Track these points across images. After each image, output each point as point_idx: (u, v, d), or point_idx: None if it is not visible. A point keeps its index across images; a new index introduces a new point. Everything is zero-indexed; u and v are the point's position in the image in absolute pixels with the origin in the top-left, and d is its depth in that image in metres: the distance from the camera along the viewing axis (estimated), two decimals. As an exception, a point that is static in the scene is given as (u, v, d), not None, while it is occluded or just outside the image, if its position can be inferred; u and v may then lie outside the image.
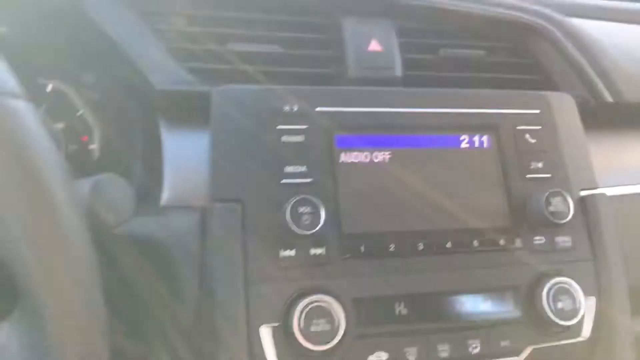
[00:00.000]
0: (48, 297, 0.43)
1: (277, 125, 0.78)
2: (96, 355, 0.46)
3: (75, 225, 0.48)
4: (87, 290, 0.47)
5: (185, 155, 0.80)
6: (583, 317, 0.80)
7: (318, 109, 0.80)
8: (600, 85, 0.97)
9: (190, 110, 0.81)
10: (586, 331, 0.81)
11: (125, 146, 0.88)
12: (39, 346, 0.43)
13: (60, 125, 0.93)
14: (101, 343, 0.47)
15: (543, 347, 0.80)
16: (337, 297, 0.72)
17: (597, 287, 0.83)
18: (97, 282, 0.48)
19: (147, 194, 0.81)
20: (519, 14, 0.97)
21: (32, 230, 0.44)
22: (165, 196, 0.77)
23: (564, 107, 0.92)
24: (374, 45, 0.90)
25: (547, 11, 0.99)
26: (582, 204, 0.86)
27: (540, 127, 0.88)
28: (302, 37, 0.91)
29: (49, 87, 0.92)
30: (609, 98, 0.97)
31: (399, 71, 0.90)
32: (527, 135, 0.87)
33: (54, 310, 0.44)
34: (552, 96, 0.91)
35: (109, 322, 0.54)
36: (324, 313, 0.70)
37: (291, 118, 0.79)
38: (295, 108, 0.79)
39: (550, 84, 1.00)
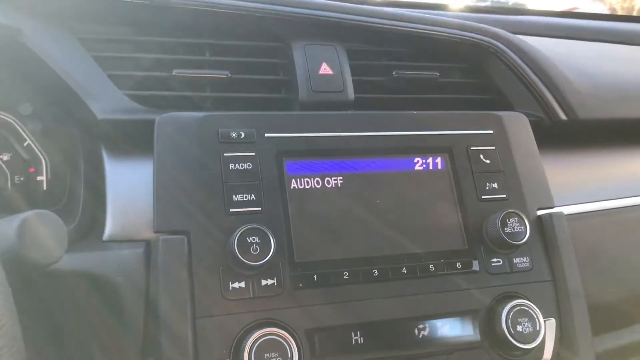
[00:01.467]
0: None
1: (224, 152, 0.76)
2: None
3: None
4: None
5: (128, 186, 0.77)
6: (544, 339, 0.78)
7: (267, 134, 0.78)
8: (554, 104, 0.97)
9: (134, 139, 0.79)
10: (548, 353, 0.80)
11: (71, 177, 0.85)
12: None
13: (5, 157, 0.89)
14: None
15: None
16: (289, 329, 0.69)
17: (556, 308, 0.82)
18: (15, 329, 0.44)
19: (92, 226, 0.78)
20: (469, 34, 0.97)
21: None
22: (108, 230, 0.74)
23: (518, 126, 0.91)
24: (325, 69, 0.89)
25: (496, 30, 0.99)
26: (539, 223, 0.86)
27: (494, 147, 0.87)
28: (251, 62, 0.90)
29: None
30: (563, 116, 0.97)
31: (350, 94, 0.89)
32: (481, 156, 0.86)
33: None
34: (506, 116, 0.91)
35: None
36: (276, 346, 0.67)
37: (238, 145, 0.76)
38: (243, 134, 0.77)
39: (505, 104, 1.00)
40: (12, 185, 0.88)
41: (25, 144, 0.89)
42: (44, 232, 0.55)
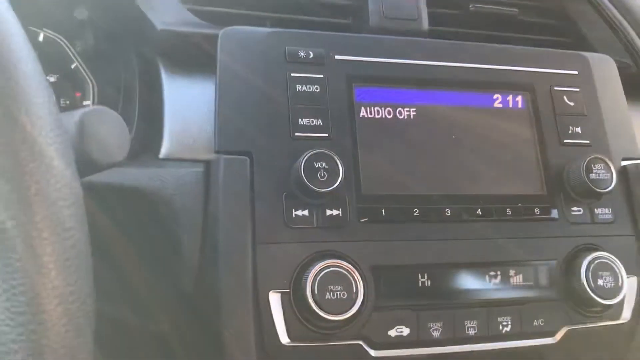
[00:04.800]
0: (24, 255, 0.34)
1: (291, 72, 0.70)
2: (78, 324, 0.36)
3: (64, 165, 0.39)
4: (72, 245, 0.38)
5: (187, 104, 0.72)
6: (624, 297, 0.72)
7: (337, 57, 0.72)
8: (644, 50, 0.89)
9: (194, 55, 0.73)
10: (627, 313, 0.74)
11: (122, 97, 0.80)
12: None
13: (52, 79, 0.85)
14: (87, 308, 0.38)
15: (579, 329, 0.72)
16: (354, 264, 0.64)
17: (638, 266, 0.75)
18: (85, 239, 0.39)
19: (147, 145, 0.73)
20: (557, -31, 0.89)
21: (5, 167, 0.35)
22: (165, 148, 0.69)
23: (605, 69, 0.84)
24: (399, -6, 0.82)
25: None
26: (624, 173, 0.79)
27: (578, 89, 0.80)
28: (319, -18, 0.83)
29: (41, 37, 0.84)
30: (653, 64, 0.89)
31: (425, 24, 0.82)
32: (565, 97, 0.79)
33: (29, 274, 0.35)
34: (592, 57, 0.84)
35: (98, 286, 0.46)
36: (341, 280, 0.62)
37: (306, 65, 0.71)
38: (312, 55, 0.71)
39: (586, 48, 0.92)
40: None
41: (72, 66, 0.85)
42: (107, 129, 0.50)
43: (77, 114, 0.49)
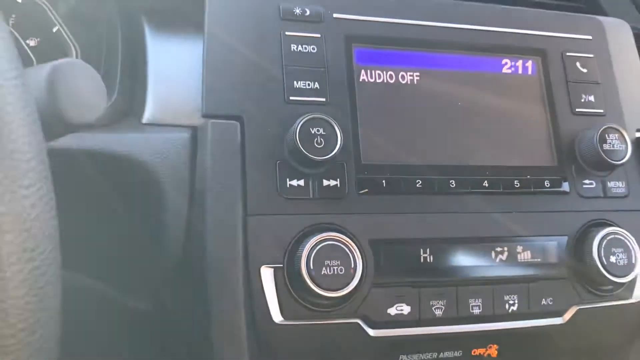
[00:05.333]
0: None
1: (285, 31, 0.65)
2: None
3: (22, 113, 0.34)
4: (31, 205, 0.33)
5: (173, 66, 0.67)
6: (637, 275, 0.68)
7: (335, 15, 0.67)
8: (660, 15, 0.84)
9: (181, 12, 0.68)
10: (639, 292, 0.70)
11: (103, 59, 0.75)
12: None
13: (32, 43, 0.80)
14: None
15: (589, 309, 0.68)
16: (353, 237, 0.60)
17: None
18: (48, 199, 0.34)
19: (128, 112, 0.68)
20: None
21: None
22: (149, 112, 0.64)
23: (620, 34, 0.79)
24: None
25: None
26: (639, 145, 0.74)
27: (592, 56, 0.75)
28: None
29: None
30: (669, 30, 0.84)
31: (430, -16, 0.77)
32: (578, 64, 0.74)
33: None
34: (607, 22, 0.79)
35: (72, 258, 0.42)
36: (338, 254, 0.57)
37: (302, 24, 0.66)
38: (308, 12, 0.66)
39: (599, 13, 0.87)
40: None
41: (54, 30, 0.79)
42: (80, 83, 0.44)
43: (46, 67, 0.44)
